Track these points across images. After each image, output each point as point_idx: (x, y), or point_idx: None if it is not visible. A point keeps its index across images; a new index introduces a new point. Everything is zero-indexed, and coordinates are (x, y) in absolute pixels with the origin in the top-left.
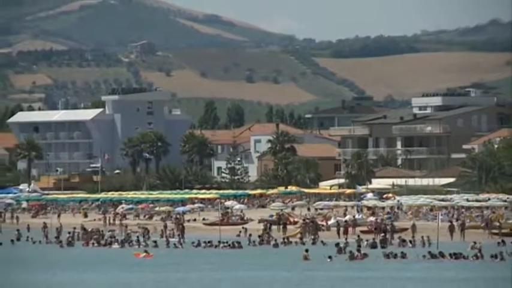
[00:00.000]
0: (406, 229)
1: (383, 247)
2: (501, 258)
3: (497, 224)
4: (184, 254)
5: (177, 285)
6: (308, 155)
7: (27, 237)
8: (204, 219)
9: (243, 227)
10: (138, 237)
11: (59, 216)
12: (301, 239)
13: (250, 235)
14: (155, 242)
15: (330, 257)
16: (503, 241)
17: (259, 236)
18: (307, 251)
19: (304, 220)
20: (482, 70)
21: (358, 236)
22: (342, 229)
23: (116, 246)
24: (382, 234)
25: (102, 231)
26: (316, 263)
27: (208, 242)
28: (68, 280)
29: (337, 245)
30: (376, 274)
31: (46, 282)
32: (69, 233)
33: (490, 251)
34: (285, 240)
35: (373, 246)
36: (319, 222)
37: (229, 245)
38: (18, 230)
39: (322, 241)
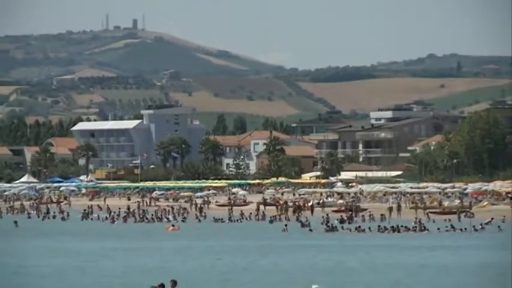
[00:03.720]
0: (365, 209)
1: (349, 222)
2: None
3: (428, 205)
4: (202, 227)
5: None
6: (293, 154)
7: (87, 214)
8: (216, 201)
9: (259, 207)
10: (170, 214)
11: (104, 200)
12: (283, 217)
13: (250, 213)
14: (184, 219)
15: (310, 230)
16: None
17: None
18: (286, 225)
19: (286, 203)
20: (422, 91)
21: (327, 214)
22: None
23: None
24: (349, 212)
25: (144, 210)
26: (294, 234)
27: (220, 219)
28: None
29: (298, 220)
30: (344, 243)
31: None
32: (114, 212)
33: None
34: (276, 217)
35: (342, 221)
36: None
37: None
38: (84, 210)
39: (300, 221)
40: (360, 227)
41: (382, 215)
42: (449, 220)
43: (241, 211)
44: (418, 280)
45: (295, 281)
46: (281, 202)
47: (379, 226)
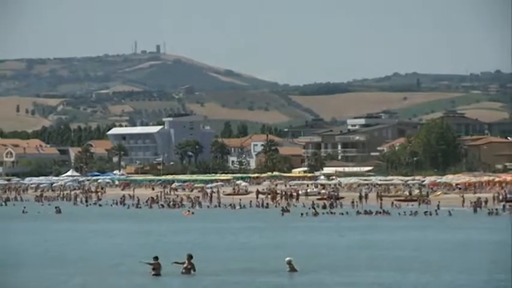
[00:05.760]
0: (343, 197)
1: (331, 208)
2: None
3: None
4: (211, 212)
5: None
6: (285, 153)
7: (121, 201)
8: (223, 191)
9: (258, 195)
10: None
11: (133, 190)
12: (275, 204)
13: (250, 201)
14: (195, 205)
15: (302, 214)
16: (395, 204)
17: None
18: (282, 210)
19: (276, 192)
20: (389, 102)
21: (313, 202)
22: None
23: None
24: (331, 200)
25: (166, 198)
26: (288, 217)
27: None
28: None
29: (283, 209)
30: (327, 224)
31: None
32: (138, 200)
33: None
34: (273, 204)
35: (324, 207)
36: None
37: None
38: (121, 198)
39: (282, 207)
40: (337, 212)
41: (355, 202)
42: (412, 205)
43: (240, 199)
44: (393, 255)
45: (290, 255)
46: (272, 192)
47: (357, 211)
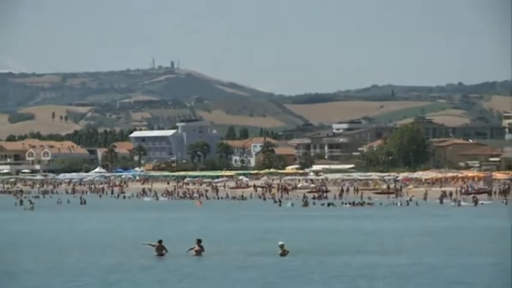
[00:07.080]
0: (329, 191)
1: (320, 199)
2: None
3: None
4: (218, 203)
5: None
6: (280, 153)
7: (142, 194)
8: (228, 185)
9: (255, 189)
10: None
11: (151, 184)
12: (270, 196)
13: (251, 194)
14: (202, 197)
15: (292, 205)
16: (369, 197)
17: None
18: (279, 201)
19: (270, 186)
20: (368, 110)
21: (304, 194)
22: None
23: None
24: (319, 193)
25: (179, 191)
26: (284, 207)
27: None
28: (156, 215)
29: (274, 200)
30: (317, 213)
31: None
32: (155, 192)
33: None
34: (270, 196)
35: (313, 198)
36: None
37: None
38: (143, 190)
39: (274, 199)
40: (329, 204)
41: (340, 194)
42: (388, 197)
43: (242, 192)
44: (368, 240)
45: (283, 239)
46: (267, 186)
47: (342, 202)
